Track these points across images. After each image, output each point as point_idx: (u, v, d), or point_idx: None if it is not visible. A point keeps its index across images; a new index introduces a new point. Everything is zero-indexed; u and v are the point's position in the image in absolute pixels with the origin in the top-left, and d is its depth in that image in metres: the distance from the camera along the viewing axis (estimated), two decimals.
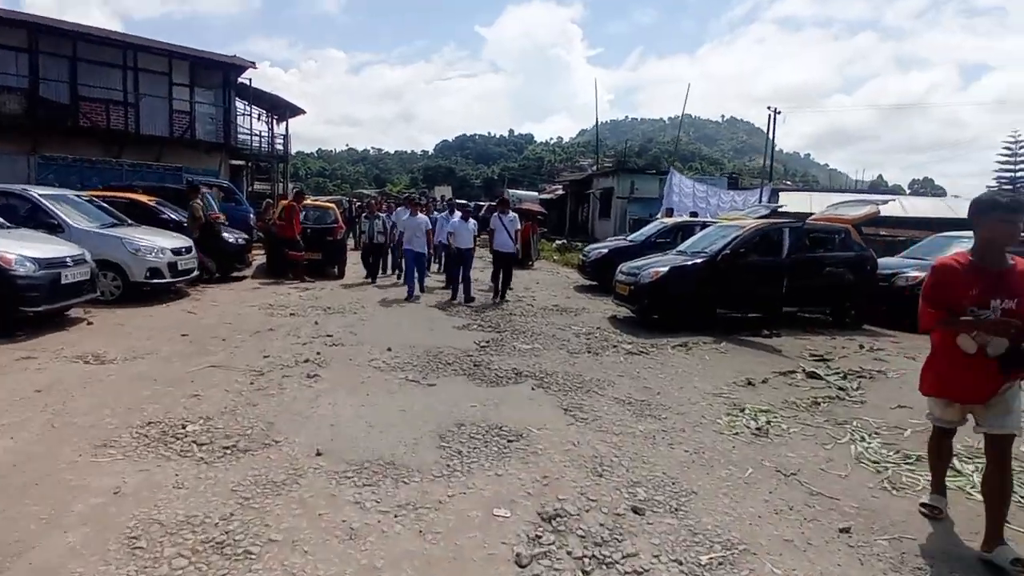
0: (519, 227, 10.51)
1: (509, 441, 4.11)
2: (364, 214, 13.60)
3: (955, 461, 3.89)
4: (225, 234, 11.72)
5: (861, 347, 7.35)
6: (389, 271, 14.04)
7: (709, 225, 11.14)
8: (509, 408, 4.80)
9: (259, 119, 26.69)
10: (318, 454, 3.76)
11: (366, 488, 3.35)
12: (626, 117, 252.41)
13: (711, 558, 2.76)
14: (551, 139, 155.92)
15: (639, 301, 8.51)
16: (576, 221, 31.39)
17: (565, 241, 23.42)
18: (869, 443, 4.20)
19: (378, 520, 3.00)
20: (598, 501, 3.29)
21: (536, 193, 30.05)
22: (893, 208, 18.15)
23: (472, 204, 28.81)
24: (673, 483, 3.54)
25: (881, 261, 9.37)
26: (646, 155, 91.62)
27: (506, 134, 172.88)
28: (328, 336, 7.11)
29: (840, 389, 5.52)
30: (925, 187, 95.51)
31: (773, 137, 24.49)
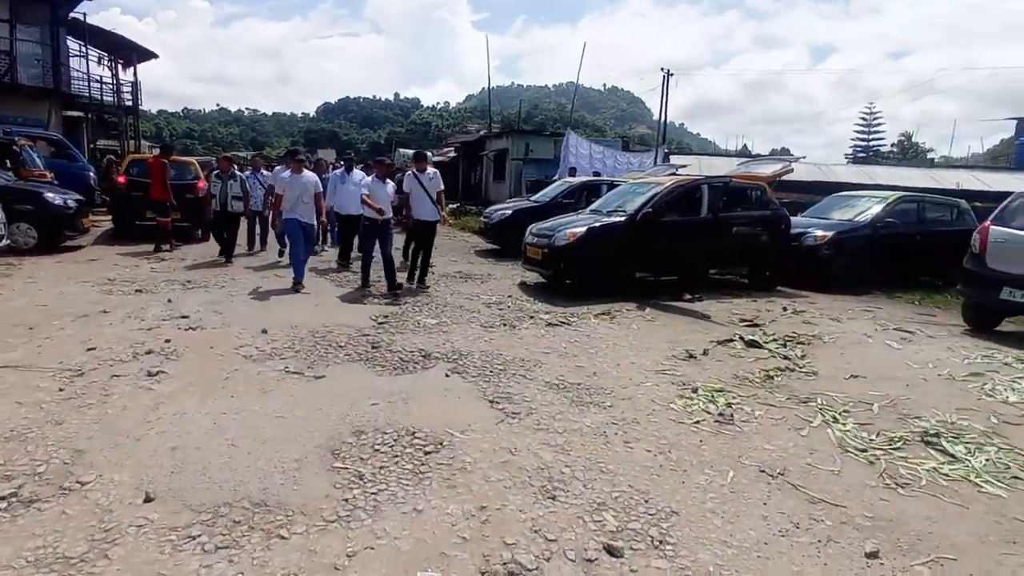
0: (441, 187, 7.88)
1: (427, 452, 3.12)
2: (216, 172, 9.56)
3: (943, 442, 3.42)
4: (50, 195, 9.49)
5: (784, 310, 7.04)
6: (257, 246, 10.70)
7: (617, 185, 10.54)
8: (421, 403, 3.79)
9: (100, 63, 22.85)
10: (147, 500, 2.56)
11: (220, 553, 2.24)
12: (512, 83, 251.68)
13: None
14: (438, 104, 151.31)
15: (554, 265, 7.71)
16: (469, 184, 30.25)
17: (459, 204, 22.32)
18: (845, 425, 3.65)
19: None
20: (559, 541, 2.41)
21: (429, 153, 28.69)
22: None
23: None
24: (646, 501, 2.74)
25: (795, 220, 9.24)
26: (532, 121, 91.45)
27: (391, 98, 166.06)
28: (183, 318, 5.65)
29: (785, 359, 5.03)
30: (783, 154, 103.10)
31: (666, 100, 24.62)
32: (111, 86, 22.22)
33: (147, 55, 23.18)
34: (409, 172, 8.03)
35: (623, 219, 7.59)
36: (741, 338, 5.58)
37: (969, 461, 3.19)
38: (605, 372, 4.60)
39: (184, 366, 4.32)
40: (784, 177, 9.34)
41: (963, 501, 2.84)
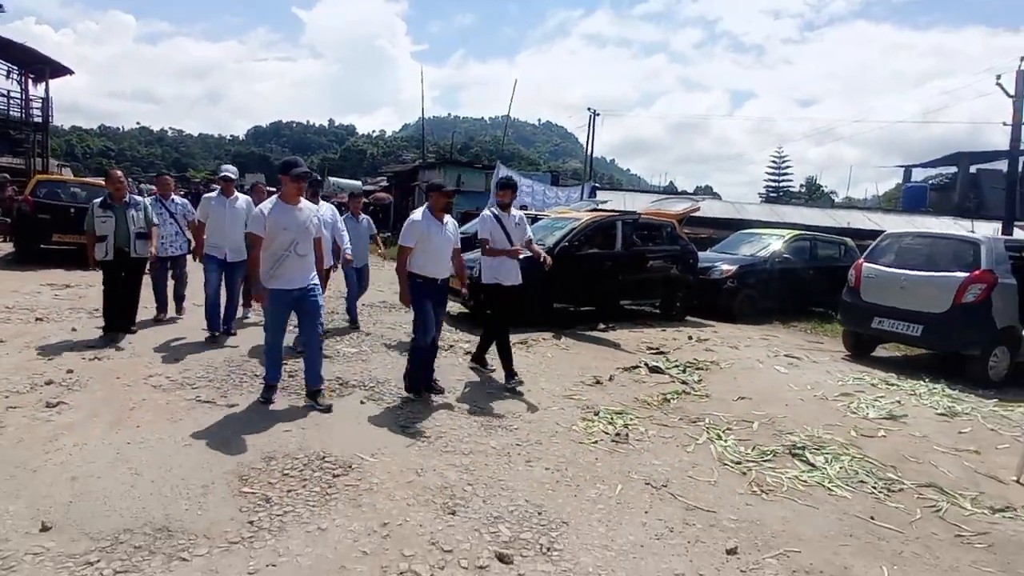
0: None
1: (335, 475, 3.24)
2: (103, 200, 5.96)
3: (807, 454, 3.85)
4: None
5: (690, 338, 7.55)
6: (172, 310, 7.06)
7: (540, 219, 10.99)
8: (333, 429, 3.90)
9: (9, 77, 21.69)
10: (44, 529, 2.57)
11: None
12: (449, 114, 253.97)
13: None
14: (374, 131, 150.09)
15: (475, 296, 7.95)
16: (401, 214, 30.32)
17: (390, 234, 22.32)
18: (726, 441, 4.03)
19: None
20: (454, 551, 2.60)
21: (359, 182, 28.45)
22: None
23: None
24: (539, 513, 2.97)
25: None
26: (468, 152, 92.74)
27: (326, 124, 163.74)
28: (89, 347, 5.49)
29: (683, 383, 5.45)
30: (707, 192, 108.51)
31: (593, 137, 25.74)
32: (19, 101, 21.11)
33: (61, 70, 22.21)
34: (490, 213, 5.70)
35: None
36: (646, 364, 5.98)
37: (826, 469, 3.62)
38: (516, 398, 4.85)
39: (87, 396, 4.24)
40: (696, 214, 10.06)
41: (815, 503, 3.24)
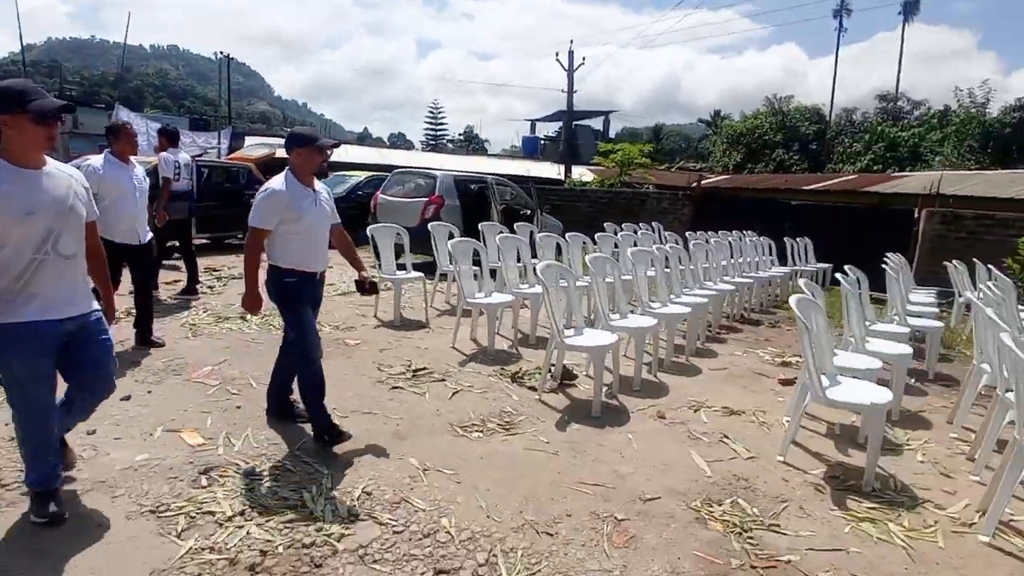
0: None
1: None
2: None
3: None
4: None
5: None
6: None
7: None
8: None
9: None
10: None
11: None
12: (93, 37, 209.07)
13: None
14: None
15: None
16: None
17: None
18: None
19: None
20: None
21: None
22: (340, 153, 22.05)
23: None
24: None
25: None
26: (125, 87, 79.43)
27: None
28: None
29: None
30: (400, 140, 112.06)
31: (229, 84, 25.27)
32: None
33: None
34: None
35: None
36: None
37: None
38: None
39: None
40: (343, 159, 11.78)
41: None
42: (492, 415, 3.85)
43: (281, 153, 12.40)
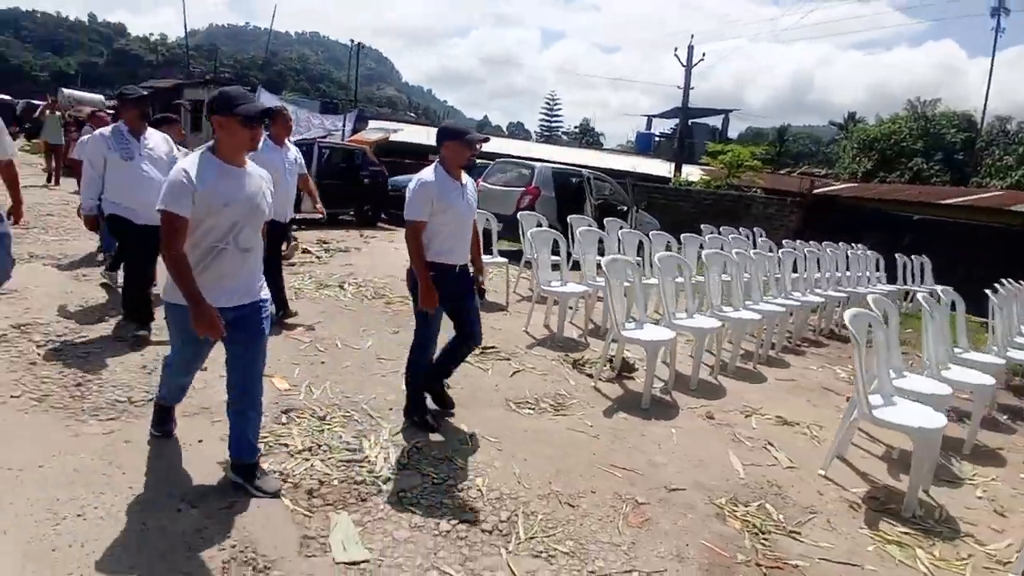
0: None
1: None
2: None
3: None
4: None
5: (361, 235, 10.11)
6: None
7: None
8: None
9: None
10: None
11: None
12: (247, 24, 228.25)
13: None
14: (151, 35, 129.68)
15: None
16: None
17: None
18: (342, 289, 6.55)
19: None
20: None
21: (101, 97, 26.21)
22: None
23: (20, 103, 23.79)
24: None
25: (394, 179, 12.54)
26: (270, 70, 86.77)
27: (85, 19, 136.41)
28: None
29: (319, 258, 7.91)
30: (518, 129, 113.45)
31: (358, 71, 26.94)
32: None
33: None
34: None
35: None
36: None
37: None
38: None
39: None
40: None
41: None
42: (547, 396, 4.10)
43: (396, 137, 13.29)
